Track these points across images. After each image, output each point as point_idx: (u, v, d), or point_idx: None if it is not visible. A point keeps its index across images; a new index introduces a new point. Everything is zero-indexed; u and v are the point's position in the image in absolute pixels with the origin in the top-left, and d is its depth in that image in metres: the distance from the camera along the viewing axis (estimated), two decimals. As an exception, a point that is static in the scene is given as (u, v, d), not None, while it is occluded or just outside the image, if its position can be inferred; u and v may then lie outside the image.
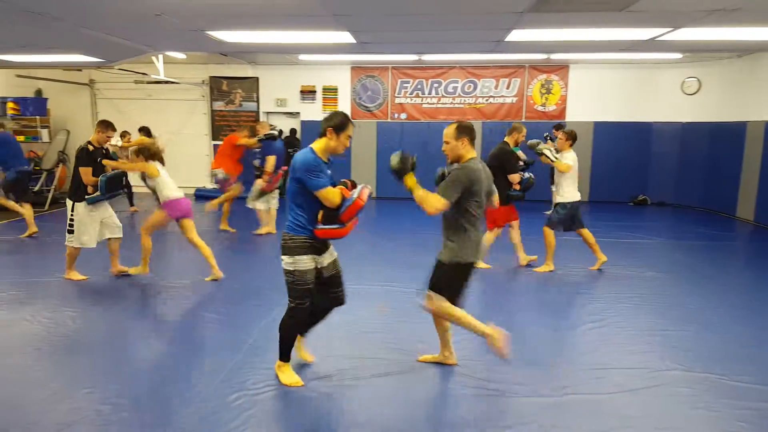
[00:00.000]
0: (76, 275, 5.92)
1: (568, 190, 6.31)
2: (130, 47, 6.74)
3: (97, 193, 5.57)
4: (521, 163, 6.75)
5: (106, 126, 5.69)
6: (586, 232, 6.43)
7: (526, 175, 6.27)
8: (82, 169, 5.56)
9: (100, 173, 5.63)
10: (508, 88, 12.12)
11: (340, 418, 3.27)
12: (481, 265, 6.52)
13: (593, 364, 3.98)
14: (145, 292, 5.60)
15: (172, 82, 11.82)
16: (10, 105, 10.96)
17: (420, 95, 12.33)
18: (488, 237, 6.38)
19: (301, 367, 3.79)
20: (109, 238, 5.92)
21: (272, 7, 4.68)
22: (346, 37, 6.05)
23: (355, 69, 12.38)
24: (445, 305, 3.55)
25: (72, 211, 5.69)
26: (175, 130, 12.25)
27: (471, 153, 3.55)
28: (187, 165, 10.68)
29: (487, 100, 12.21)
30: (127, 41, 6.40)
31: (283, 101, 12.81)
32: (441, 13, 5.00)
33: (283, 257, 3.39)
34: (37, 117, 11.59)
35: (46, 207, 10.60)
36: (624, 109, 11.91)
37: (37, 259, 6.84)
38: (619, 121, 11.94)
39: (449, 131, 3.54)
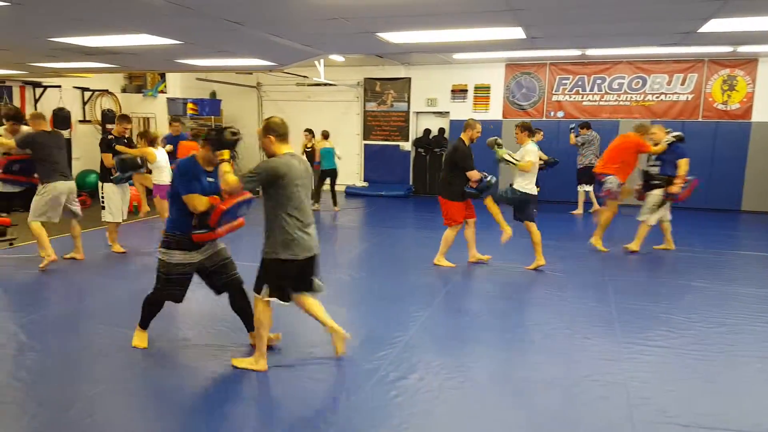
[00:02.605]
0: (118, 248, 6.89)
1: (525, 183, 6.21)
2: (302, 50, 7.02)
3: (118, 174, 6.50)
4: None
5: (123, 119, 6.93)
6: (533, 228, 6.26)
7: (488, 177, 6.17)
8: (103, 155, 6.66)
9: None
10: (682, 84, 11.03)
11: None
12: (443, 263, 6.43)
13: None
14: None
15: (330, 84, 12.30)
16: (190, 105, 12.08)
17: (580, 92, 11.65)
18: (448, 234, 6.39)
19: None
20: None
21: (454, 5, 4.55)
22: (516, 33, 5.77)
23: (510, 66, 12.01)
24: (260, 306, 3.66)
25: (101, 191, 6.78)
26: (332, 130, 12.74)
27: (283, 149, 3.58)
28: (340, 164, 11.02)
29: (657, 98, 11.21)
30: (301, 45, 6.67)
31: (433, 101, 12.81)
32: (629, 3, 4.56)
33: (159, 249, 3.90)
34: (212, 117, 12.66)
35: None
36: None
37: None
38: (818, 120, 10.39)
39: (258, 130, 3.67)
